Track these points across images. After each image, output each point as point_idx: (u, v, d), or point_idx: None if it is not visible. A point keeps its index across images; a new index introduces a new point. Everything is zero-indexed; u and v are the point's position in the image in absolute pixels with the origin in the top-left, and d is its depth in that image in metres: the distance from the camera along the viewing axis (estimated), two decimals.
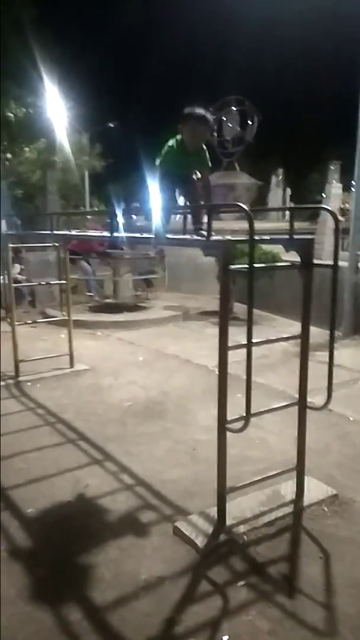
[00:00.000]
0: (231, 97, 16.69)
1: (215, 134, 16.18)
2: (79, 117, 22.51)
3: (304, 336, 3.00)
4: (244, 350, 2.56)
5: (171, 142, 3.10)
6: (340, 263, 8.10)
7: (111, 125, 28.42)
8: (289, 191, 20.75)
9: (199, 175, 3.21)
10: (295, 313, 3.05)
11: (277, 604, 2.34)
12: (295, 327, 3.09)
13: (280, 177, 20.26)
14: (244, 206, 2.43)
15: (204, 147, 3.14)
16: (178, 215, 3.49)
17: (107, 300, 9.64)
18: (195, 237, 2.92)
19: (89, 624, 2.22)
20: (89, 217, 11.12)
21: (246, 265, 2.44)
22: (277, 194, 20.64)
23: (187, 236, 3.06)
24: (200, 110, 3.03)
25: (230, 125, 16.86)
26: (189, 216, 3.20)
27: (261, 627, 2.20)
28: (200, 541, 2.70)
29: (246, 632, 2.18)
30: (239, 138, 17.05)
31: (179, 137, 3.08)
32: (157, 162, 3.13)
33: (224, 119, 16.90)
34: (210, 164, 3.22)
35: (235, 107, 16.75)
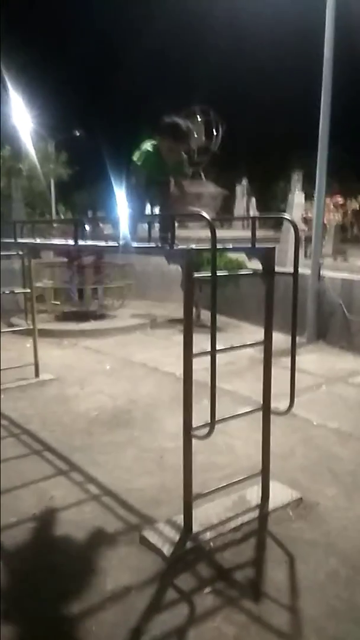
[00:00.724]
0: (196, 107, 16.87)
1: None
2: (44, 125, 22.39)
3: (267, 342, 3.05)
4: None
5: (149, 146, 2.98)
6: (303, 271, 8.28)
7: (77, 133, 28.36)
8: (254, 200, 21.07)
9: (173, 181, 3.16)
10: (262, 320, 3.10)
11: (243, 609, 2.36)
12: (262, 334, 3.14)
13: (245, 186, 20.56)
14: (205, 215, 2.47)
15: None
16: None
17: (73, 309, 9.56)
18: (160, 245, 2.92)
19: (54, 637, 2.19)
20: (54, 225, 11.01)
21: (209, 274, 2.47)
22: (242, 203, 20.93)
23: (152, 244, 3.08)
24: (178, 123, 2.91)
25: (196, 134, 17.02)
26: (155, 224, 3.22)
27: (227, 633, 2.21)
28: (166, 549, 2.70)
29: (212, 639, 2.18)
30: (205, 147, 17.24)
31: (155, 142, 2.97)
32: (135, 163, 3.01)
33: (190, 127, 17.08)
34: (188, 171, 3.17)
35: (200, 116, 16.93)
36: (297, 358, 3.07)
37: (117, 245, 3.10)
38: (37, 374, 5.85)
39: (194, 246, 2.65)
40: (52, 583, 2.52)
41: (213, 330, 2.55)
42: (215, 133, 16.79)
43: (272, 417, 3.25)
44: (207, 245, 2.68)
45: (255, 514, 3.04)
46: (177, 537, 2.78)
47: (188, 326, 2.64)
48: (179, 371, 2.78)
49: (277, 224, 16.29)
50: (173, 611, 2.35)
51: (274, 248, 3.03)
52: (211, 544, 2.79)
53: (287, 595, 2.46)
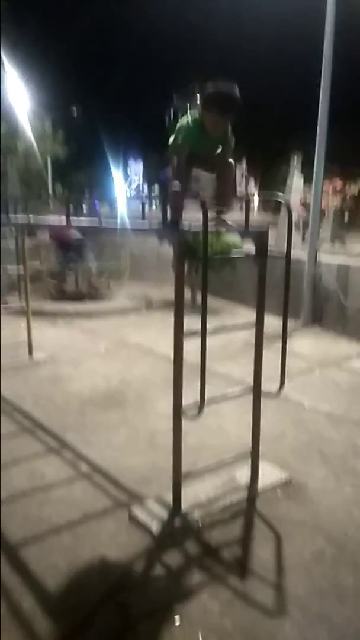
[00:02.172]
0: (195, 85, 16.63)
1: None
2: (40, 102, 22.05)
3: (259, 324, 3.06)
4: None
5: (190, 120, 2.70)
6: (300, 255, 8.26)
7: (74, 111, 27.98)
8: (252, 182, 20.93)
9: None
10: None
11: (228, 586, 2.40)
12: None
13: (244, 167, 20.38)
14: (200, 196, 2.44)
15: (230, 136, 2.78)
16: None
17: (69, 289, 9.53)
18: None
19: (42, 610, 2.22)
20: (50, 203, 10.91)
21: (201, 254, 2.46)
22: (242, 185, 20.79)
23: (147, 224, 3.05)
24: (231, 94, 2.58)
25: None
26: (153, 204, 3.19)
27: (212, 608, 2.25)
28: (155, 526, 2.73)
29: (198, 614, 2.22)
30: None
31: (196, 114, 2.67)
32: (172, 140, 2.77)
33: (189, 106, 16.83)
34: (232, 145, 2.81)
35: (199, 94, 16.68)
36: (291, 342, 3.08)
37: (99, 224, 3.05)
38: (30, 353, 5.85)
39: (185, 225, 2.62)
40: (42, 558, 2.55)
41: (204, 310, 2.54)
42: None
43: (265, 400, 3.27)
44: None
45: (244, 493, 3.08)
46: (166, 515, 2.82)
47: (179, 307, 2.63)
48: (173, 353, 2.78)
49: (277, 207, 16.19)
50: (160, 586, 2.39)
51: (267, 230, 3.01)
52: (199, 522, 2.82)
53: (273, 573, 2.50)
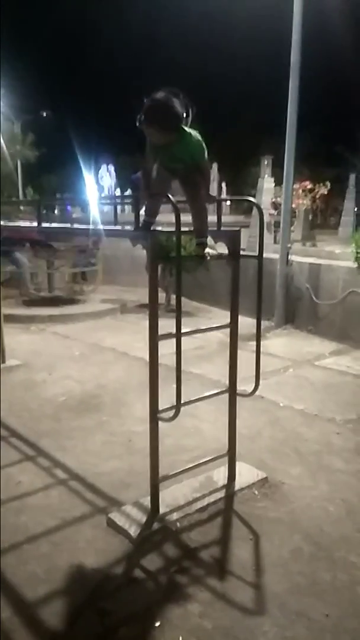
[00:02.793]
0: (165, 89, 16.63)
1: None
2: (9, 105, 21.78)
3: (233, 325, 3.08)
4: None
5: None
6: (272, 255, 8.34)
7: (44, 114, 27.69)
8: (224, 185, 21.04)
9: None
10: None
11: (208, 587, 2.40)
12: None
13: (215, 170, 20.51)
14: (171, 197, 2.45)
15: (184, 131, 2.58)
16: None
17: (42, 294, 9.42)
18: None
19: (20, 619, 2.19)
20: (22, 207, 10.77)
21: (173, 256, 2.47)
22: (213, 187, 20.90)
23: (118, 227, 3.05)
24: (156, 102, 2.50)
25: None
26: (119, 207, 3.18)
27: (192, 611, 2.25)
28: (133, 531, 2.72)
29: (178, 616, 2.22)
30: None
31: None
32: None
33: None
34: (202, 150, 2.64)
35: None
36: (265, 342, 3.12)
37: (82, 227, 3.05)
38: (3, 360, 5.75)
39: (158, 228, 2.62)
40: (19, 567, 2.51)
41: (178, 312, 2.55)
42: (185, 115, 16.62)
43: (240, 400, 3.29)
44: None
45: (221, 494, 3.09)
46: (144, 519, 2.80)
47: (153, 309, 2.63)
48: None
49: (248, 209, 16.32)
50: (139, 591, 2.38)
51: (239, 231, 3.04)
52: (178, 524, 2.82)
53: (251, 572, 2.52)
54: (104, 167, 22.91)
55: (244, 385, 3.23)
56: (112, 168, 22.51)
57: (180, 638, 2.10)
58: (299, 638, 2.13)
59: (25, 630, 2.14)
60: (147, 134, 2.56)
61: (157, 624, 2.18)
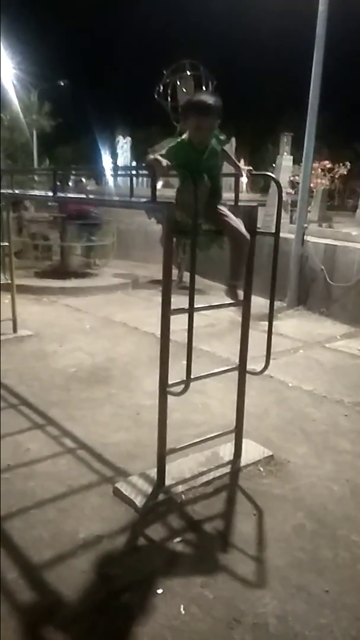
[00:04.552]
0: (185, 61, 16.21)
1: (169, 99, 15.79)
2: (26, 72, 21.49)
3: (246, 303, 3.05)
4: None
5: (178, 140, 2.64)
6: (288, 235, 8.25)
7: (61, 83, 27.27)
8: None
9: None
10: (245, 283, 3.08)
11: (210, 558, 2.44)
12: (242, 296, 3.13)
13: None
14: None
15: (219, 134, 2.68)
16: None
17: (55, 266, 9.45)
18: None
19: (25, 582, 2.25)
20: (36, 178, 10.72)
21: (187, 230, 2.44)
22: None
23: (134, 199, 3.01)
24: (206, 98, 2.57)
25: (185, 90, 16.47)
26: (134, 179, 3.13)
27: (194, 580, 2.29)
28: (139, 501, 2.76)
29: (180, 585, 2.26)
30: None
31: (184, 136, 2.62)
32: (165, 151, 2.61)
33: (178, 83, 16.50)
34: (224, 150, 2.75)
35: (189, 71, 16.35)
36: (277, 322, 3.10)
37: (98, 198, 3.02)
38: (15, 330, 5.80)
39: (174, 201, 2.59)
40: (25, 531, 2.56)
41: (192, 287, 2.53)
42: (204, 89, 16.27)
43: (249, 379, 3.29)
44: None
45: (227, 469, 3.12)
46: (149, 490, 2.84)
47: (167, 283, 2.62)
48: (159, 331, 2.77)
49: (265, 187, 16.08)
50: (143, 559, 2.42)
51: (256, 207, 3.00)
52: (183, 496, 2.86)
53: (254, 546, 2.55)
54: (120, 139, 22.63)
55: (254, 364, 3.23)
56: (128, 140, 22.24)
57: (182, 606, 2.15)
58: (298, 612, 2.16)
59: (30, 592, 2.20)
60: (205, 126, 2.55)
61: (159, 591, 2.22)
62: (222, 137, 2.73)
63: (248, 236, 2.75)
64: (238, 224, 2.74)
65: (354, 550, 2.55)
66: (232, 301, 2.90)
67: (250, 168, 3.06)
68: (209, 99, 2.57)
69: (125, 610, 2.14)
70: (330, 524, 2.73)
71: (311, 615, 2.15)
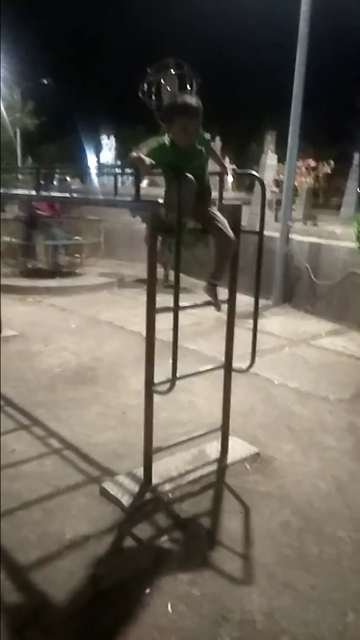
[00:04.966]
0: (170, 60, 16.20)
1: (153, 97, 15.76)
2: (10, 70, 21.30)
3: (231, 301, 3.07)
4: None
5: (160, 141, 2.63)
6: (273, 234, 8.29)
7: (45, 81, 27.08)
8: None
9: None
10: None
11: (198, 556, 2.45)
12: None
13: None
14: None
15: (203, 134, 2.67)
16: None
17: (41, 266, 9.37)
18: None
19: (11, 583, 2.23)
20: (19, 176, 10.60)
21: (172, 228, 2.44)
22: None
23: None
24: (190, 100, 2.56)
25: (169, 88, 16.44)
26: (120, 177, 3.12)
27: (182, 578, 2.30)
28: (126, 500, 2.75)
29: (167, 584, 2.26)
30: None
31: (166, 138, 2.61)
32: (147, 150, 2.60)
33: (162, 82, 16.48)
34: (209, 148, 2.75)
35: (173, 70, 16.33)
36: (262, 320, 3.11)
37: (83, 196, 3.01)
38: None
39: (159, 200, 2.59)
40: (12, 533, 2.54)
41: (176, 285, 2.53)
42: (189, 87, 16.25)
43: (235, 377, 3.30)
44: None
45: (213, 467, 3.13)
46: (136, 489, 2.84)
47: (151, 282, 2.61)
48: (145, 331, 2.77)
49: (250, 186, 16.13)
50: (130, 558, 2.42)
51: (240, 206, 3.01)
52: (170, 495, 2.86)
53: (240, 543, 2.56)
54: (104, 137, 22.55)
55: (240, 362, 3.24)
56: (112, 139, 22.17)
57: (169, 604, 2.15)
58: (285, 608, 2.18)
59: (17, 594, 2.18)
60: (191, 128, 2.54)
61: (147, 590, 2.22)
62: (206, 136, 2.73)
63: (233, 238, 2.76)
64: (226, 225, 2.75)
65: (340, 546, 2.57)
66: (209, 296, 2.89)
67: (234, 167, 3.07)
68: (193, 101, 2.56)
69: (113, 610, 2.14)
70: (317, 521, 2.75)
71: (298, 611, 2.17)
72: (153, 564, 2.38)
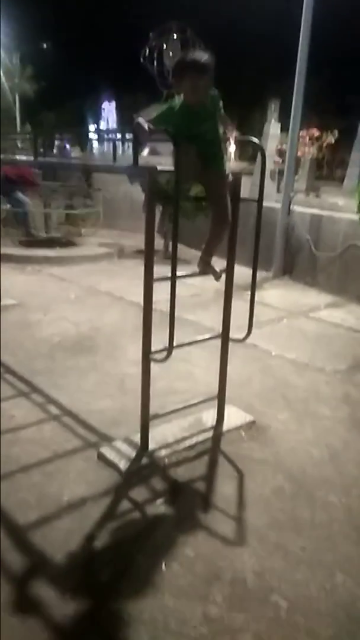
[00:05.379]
0: (172, 23, 15.72)
1: (155, 63, 15.35)
2: (8, 34, 20.73)
3: (229, 270, 3.07)
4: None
5: (171, 104, 2.57)
6: (274, 205, 8.19)
7: (44, 46, 26.43)
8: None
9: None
10: None
11: (192, 519, 2.52)
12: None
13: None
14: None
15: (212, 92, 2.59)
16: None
17: (42, 235, 9.30)
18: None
19: (11, 542, 2.30)
20: (19, 144, 10.47)
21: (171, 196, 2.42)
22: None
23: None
24: (200, 57, 2.47)
25: (171, 53, 15.99)
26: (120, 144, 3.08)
27: (176, 539, 2.37)
28: (123, 464, 2.82)
29: (162, 544, 2.33)
30: None
31: (177, 99, 2.54)
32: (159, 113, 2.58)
33: (165, 46, 16.01)
34: (220, 106, 2.66)
35: (176, 34, 15.85)
36: (261, 292, 3.13)
37: (81, 163, 2.96)
38: None
39: (157, 166, 2.56)
40: (10, 495, 2.60)
41: (174, 255, 2.53)
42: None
43: (233, 347, 3.33)
44: None
45: (209, 434, 3.18)
46: (133, 454, 2.90)
47: (149, 249, 2.61)
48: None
49: (253, 156, 15.86)
50: (126, 519, 2.49)
51: (240, 174, 2.97)
52: (166, 460, 2.92)
53: (234, 507, 2.63)
54: (105, 104, 22.11)
55: (238, 333, 3.25)
56: (114, 105, 21.76)
57: (164, 563, 2.22)
58: (275, 568, 2.25)
59: (16, 552, 2.25)
60: (200, 86, 2.47)
61: (143, 550, 2.29)
62: (214, 93, 2.60)
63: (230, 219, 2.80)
64: (229, 208, 2.77)
65: (331, 511, 2.64)
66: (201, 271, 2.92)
67: (235, 135, 3.01)
68: (203, 57, 2.47)
69: (109, 567, 2.21)
70: (309, 486, 2.82)
71: (288, 571, 2.24)
72: (148, 525, 2.45)
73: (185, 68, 2.47)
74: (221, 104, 2.63)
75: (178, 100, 2.57)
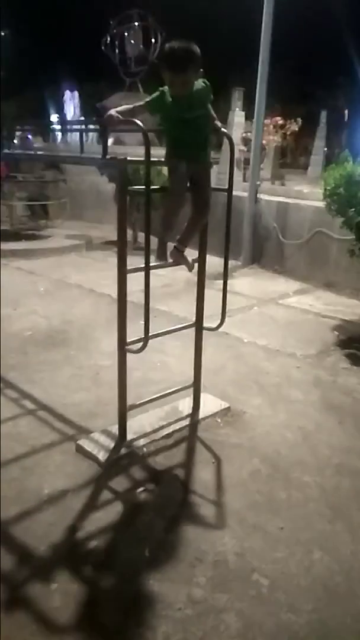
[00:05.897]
0: (133, 11, 15.52)
1: (117, 51, 15.15)
2: None
3: (201, 260, 3.09)
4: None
5: (162, 90, 2.56)
6: (241, 193, 8.23)
7: (2, 33, 25.70)
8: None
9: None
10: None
11: (173, 505, 2.56)
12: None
13: None
14: (139, 123, 2.37)
15: (203, 81, 2.57)
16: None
17: (4, 228, 9.13)
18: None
19: None
20: None
21: (143, 187, 2.43)
22: None
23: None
24: (177, 52, 2.41)
25: (133, 42, 15.80)
26: (90, 135, 3.06)
27: (158, 526, 2.41)
28: (102, 455, 2.83)
29: (143, 531, 2.37)
30: (142, 57, 16.10)
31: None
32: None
33: (126, 34, 15.82)
34: (210, 98, 2.65)
35: (138, 22, 15.68)
36: (232, 281, 3.16)
37: (47, 154, 2.93)
38: None
39: (127, 157, 2.56)
40: None
41: (147, 246, 2.54)
42: (154, 41, 15.66)
43: (206, 336, 3.37)
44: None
45: (186, 422, 3.23)
46: (112, 445, 2.92)
47: (122, 240, 2.62)
48: (116, 293, 2.79)
49: (218, 144, 15.87)
50: (107, 509, 2.51)
51: (210, 164, 2.99)
52: (144, 449, 2.95)
53: (213, 491, 2.69)
54: (67, 93, 21.69)
55: (211, 322, 3.29)
56: (76, 94, 21.33)
57: (146, 549, 2.26)
58: (255, 548, 2.32)
59: None
60: (178, 82, 2.45)
61: (125, 538, 2.32)
62: (199, 84, 2.56)
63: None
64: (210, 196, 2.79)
65: (306, 491, 2.72)
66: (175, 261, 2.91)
67: None
68: (182, 52, 2.41)
69: (92, 556, 2.23)
70: (284, 468, 2.90)
71: (267, 550, 2.31)
72: (130, 513, 2.49)
73: (162, 63, 2.46)
74: (205, 95, 2.61)
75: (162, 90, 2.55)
